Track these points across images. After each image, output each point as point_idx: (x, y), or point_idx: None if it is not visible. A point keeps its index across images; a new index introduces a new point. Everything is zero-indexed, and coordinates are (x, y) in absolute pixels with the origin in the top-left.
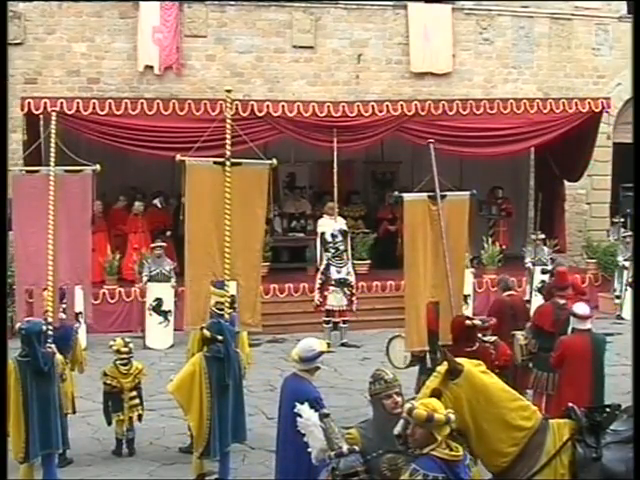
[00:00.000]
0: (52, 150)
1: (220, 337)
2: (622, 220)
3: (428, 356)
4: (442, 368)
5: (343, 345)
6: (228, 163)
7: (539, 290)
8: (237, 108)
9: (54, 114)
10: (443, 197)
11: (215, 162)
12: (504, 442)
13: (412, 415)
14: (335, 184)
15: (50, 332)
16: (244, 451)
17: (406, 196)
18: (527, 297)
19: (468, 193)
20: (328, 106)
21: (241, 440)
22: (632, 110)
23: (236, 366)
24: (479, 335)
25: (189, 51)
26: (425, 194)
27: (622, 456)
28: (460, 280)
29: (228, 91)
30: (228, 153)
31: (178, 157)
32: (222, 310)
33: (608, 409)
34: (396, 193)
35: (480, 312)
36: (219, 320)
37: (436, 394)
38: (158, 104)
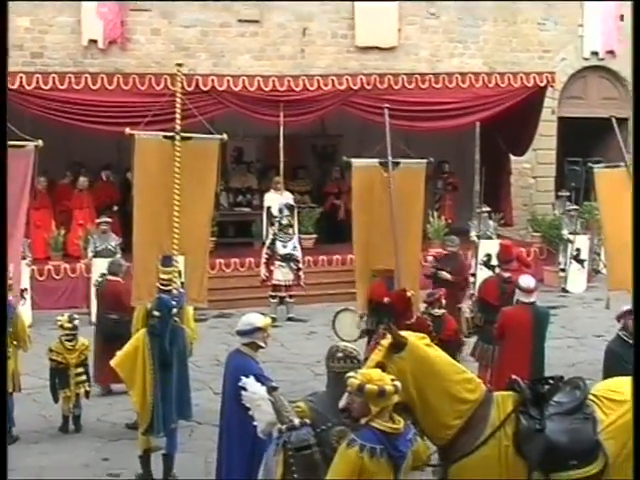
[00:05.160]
0: None
1: (157, 313)
2: (567, 194)
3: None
4: (386, 341)
5: (290, 320)
6: (178, 137)
7: (484, 264)
8: (182, 83)
9: None
10: (397, 164)
11: (165, 136)
12: (449, 414)
13: (348, 384)
14: (281, 159)
15: None
16: (191, 426)
17: (355, 161)
18: (472, 270)
19: (425, 161)
20: (273, 80)
21: (186, 417)
22: (632, 109)
23: (180, 342)
24: (428, 308)
25: (134, 25)
26: (376, 160)
27: (565, 427)
28: (416, 250)
29: (179, 65)
30: (178, 127)
31: (127, 130)
32: (167, 286)
33: (551, 381)
34: (344, 158)
35: (425, 286)
36: (159, 296)
37: (380, 367)
38: (102, 79)
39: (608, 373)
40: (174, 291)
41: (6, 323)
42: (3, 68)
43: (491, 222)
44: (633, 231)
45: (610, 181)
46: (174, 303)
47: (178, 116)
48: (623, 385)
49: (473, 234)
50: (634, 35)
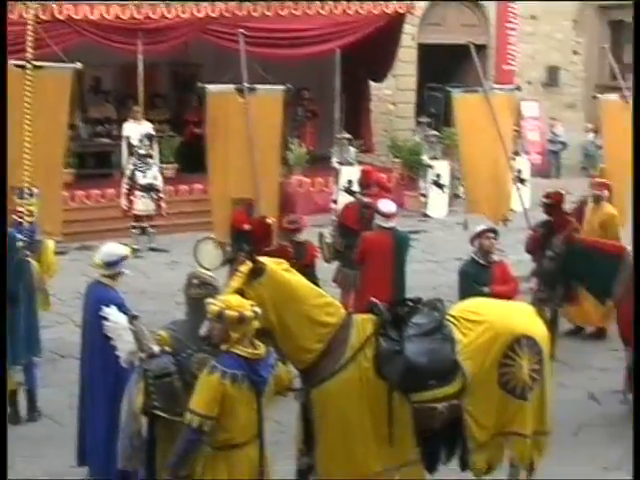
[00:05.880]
0: None
1: None
2: (427, 120)
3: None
4: (245, 268)
5: (152, 250)
6: (29, 66)
7: (346, 190)
8: (36, 11)
9: None
10: (253, 90)
11: (16, 65)
12: (309, 338)
13: (207, 311)
14: (141, 88)
15: None
16: (53, 360)
17: (209, 87)
18: (334, 197)
19: (282, 87)
20: (131, 8)
21: (36, 354)
22: (632, 110)
23: (27, 277)
24: (289, 235)
25: None
26: (232, 86)
27: (424, 348)
28: (274, 177)
29: None
30: (29, 56)
31: None
32: (21, 219)
33: (410, 303)
34: (199, 84)
35: (288, 212)
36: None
37: (239, 294)
38: None
39: (462, 294)
40: (26, 224)
41: (6, 319)
42: (3, 67)
43: (352, 148)
44: (633, 214)
45: (467, 106)
46: (20, 236)
47: (30, 44)
48: (480, 306)
49: (334, 161)
50: (635, 35)
